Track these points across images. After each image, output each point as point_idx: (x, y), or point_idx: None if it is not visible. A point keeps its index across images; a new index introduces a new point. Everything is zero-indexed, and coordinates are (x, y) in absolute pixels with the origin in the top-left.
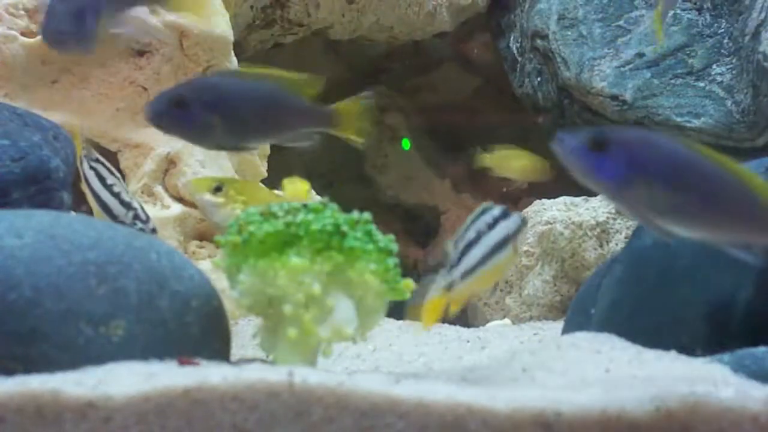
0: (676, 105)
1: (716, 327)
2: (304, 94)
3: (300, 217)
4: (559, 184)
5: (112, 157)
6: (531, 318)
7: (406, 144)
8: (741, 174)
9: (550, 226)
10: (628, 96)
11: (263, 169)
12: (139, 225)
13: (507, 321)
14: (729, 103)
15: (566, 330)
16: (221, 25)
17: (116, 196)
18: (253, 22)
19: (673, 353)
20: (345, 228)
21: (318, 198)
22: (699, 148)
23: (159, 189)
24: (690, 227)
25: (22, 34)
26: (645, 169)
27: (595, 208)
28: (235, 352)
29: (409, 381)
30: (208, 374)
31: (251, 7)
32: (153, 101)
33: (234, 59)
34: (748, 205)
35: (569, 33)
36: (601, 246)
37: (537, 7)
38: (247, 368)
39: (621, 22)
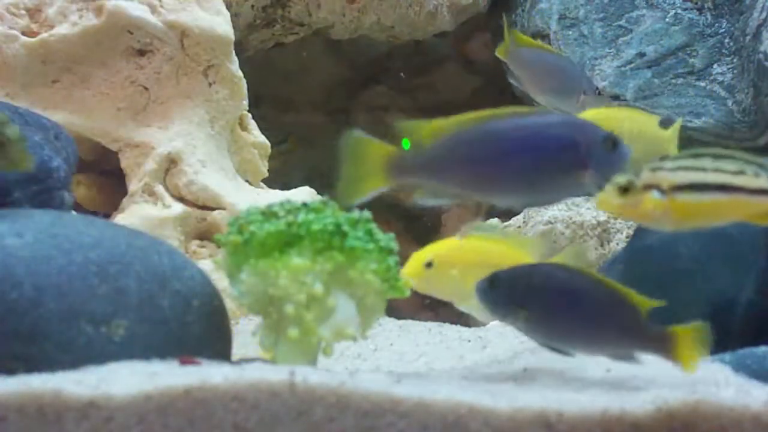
0: (677, 105)
1: (717, 326)
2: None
3: (301, 216)
4: None
5: (113, 156)
6: None
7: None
8: (619, 291)
9: (551, 225)
10: (629, 95)
11: (264, 169)
12: None
13: None
14: (730, 102)
15: None
16: (222, 24)
17: None
18: (253, 22)
19: None
20: (346, 228)
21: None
22: (579, 272)
23: (160, 188)
24: (575, 345)
25: (23, 33)
26: (521, 301)
27: (596, 208)
28: (237, 352)
29: (411, 381)
30: (210, 374)
31: (252, 6)
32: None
33: (235, 59)
34: (629, 320)
35: (570, 33)
36: (602, 245)
37: (538, 7)
38: (249, 368)
39: (622, 22)
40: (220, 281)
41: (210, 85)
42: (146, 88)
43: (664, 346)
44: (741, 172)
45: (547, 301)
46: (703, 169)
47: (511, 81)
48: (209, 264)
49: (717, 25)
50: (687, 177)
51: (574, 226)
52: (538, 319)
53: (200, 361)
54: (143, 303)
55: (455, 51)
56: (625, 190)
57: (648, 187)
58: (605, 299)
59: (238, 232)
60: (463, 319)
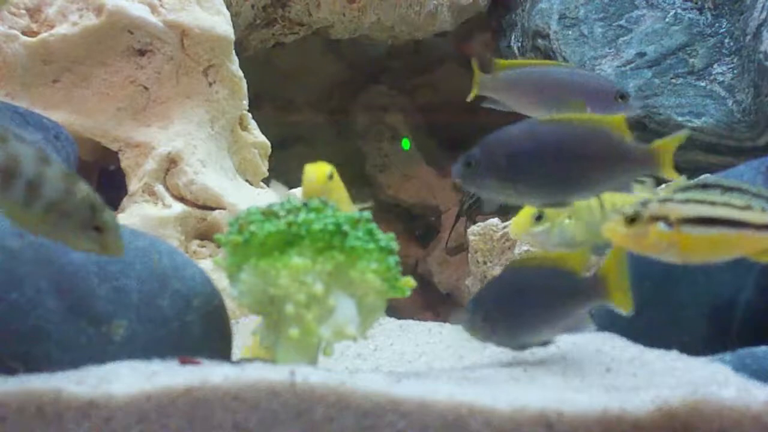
0: (677, 104)
1: (718, 326)
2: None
3: (301, 216)
4: None
5: (113, 156)
6: None
7: (406, 144)
8: (554, 261)
9: None
10: None
11: (264, 169)
12: None
13: None
14: (730, 102)
15: None
16: (222, 24)
17: None
18: (254, 22)
19: (674, 352)
20: (346, 227)
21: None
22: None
23: (160, 188)
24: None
25: (23, 33)
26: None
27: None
28: (237, 351)
29: (411, 380)
30: (210, 373)
31: (252, 6)
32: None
33: (235, 58)
34: (567, 281)
35: (570, 32)
36: None
37: (538, 7)
38: (249, 367)
39: (622, 22)
40: (221, 281)
41: (210, 84)
42: (146, 88)
43: (599, 291)
44: (748, 207)
45: (499, 306)
46: (712, 203)
47: (490, 106)
48: (209, 264)
49: (717, 24)
50: (696, 210)
51: None
52: (501, 324)
53: (200, 361)
54: (143, 303)
55: (455, 51)
56: (632, 220)
57: (655, 218)
58: (542, 277)
59: (239, 231)
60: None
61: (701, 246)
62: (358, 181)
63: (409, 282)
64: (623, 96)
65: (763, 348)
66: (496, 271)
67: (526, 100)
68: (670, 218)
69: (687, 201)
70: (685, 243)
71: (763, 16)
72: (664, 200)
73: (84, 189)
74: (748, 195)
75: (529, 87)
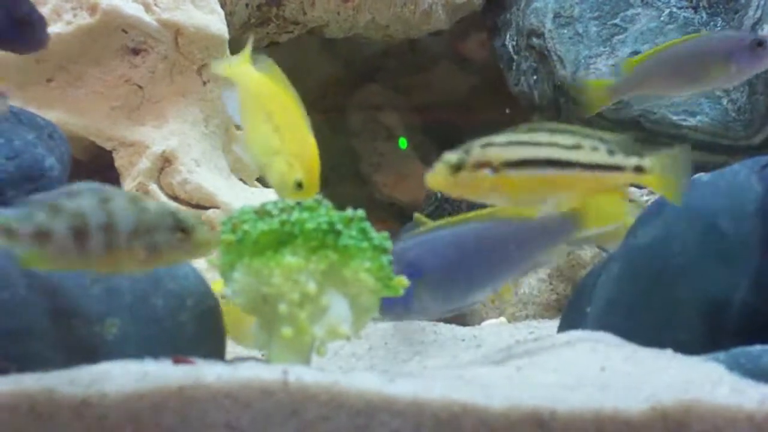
0: (672, 103)
1: (712, 325)
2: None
3: (295, 215)
4: None
5: (107, 155)
6: (527, 317)
7: (403, 143)
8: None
9: None
10: None
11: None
12: None
13: (503, 319)
14: (725, 101)
15: (562, 328)
16: (216, 23)
17: None
18: (248, 21)
19: (669, 352)
20: (340, 226)
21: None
22: None
23: (154, 187)
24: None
25: None
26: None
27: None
28: (230, 350)
29: (404, 379)
30: (203, 373)
31: (247, 5)
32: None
33: (230, 57)
34: None
35: (565, 31)
36: None
37: (533, 6)
38: (242, 367)
39: (617, 20)
40: (215, 280)
41: (204, 83)
42: (140, 87)
43: None
44: (577, 147)
45: None
46: (536, 144)
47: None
48: (204, 263)
49: (712, 23)
50: (517, 153)
51: None
52: None
53: (193, 360)
54: (136, 302)
55: (451, 50)
56: (457, 168)
57: (479, 165)
58: None
59: (232, 230)
60: (458, 319)
61: (525, 187)
62: (352, 180)
63: (402, 281)
64: (761, 43)
65: (757, 347)
66: None
67: (671, 81)
68: (493, 163)
69: (509, 144)
70: (508, 185)
71: (758, 14)
72: (486, 145)
73: (152, 202)
74: (579, 136)
75: (671, 68)
